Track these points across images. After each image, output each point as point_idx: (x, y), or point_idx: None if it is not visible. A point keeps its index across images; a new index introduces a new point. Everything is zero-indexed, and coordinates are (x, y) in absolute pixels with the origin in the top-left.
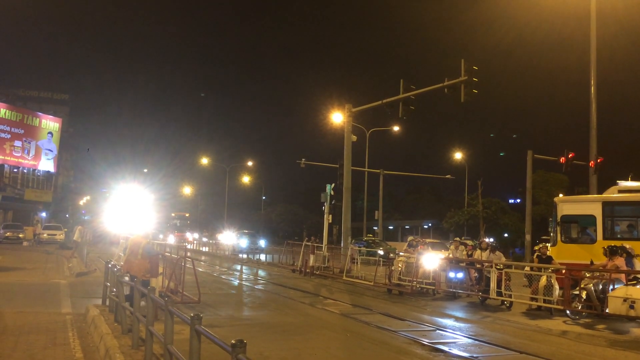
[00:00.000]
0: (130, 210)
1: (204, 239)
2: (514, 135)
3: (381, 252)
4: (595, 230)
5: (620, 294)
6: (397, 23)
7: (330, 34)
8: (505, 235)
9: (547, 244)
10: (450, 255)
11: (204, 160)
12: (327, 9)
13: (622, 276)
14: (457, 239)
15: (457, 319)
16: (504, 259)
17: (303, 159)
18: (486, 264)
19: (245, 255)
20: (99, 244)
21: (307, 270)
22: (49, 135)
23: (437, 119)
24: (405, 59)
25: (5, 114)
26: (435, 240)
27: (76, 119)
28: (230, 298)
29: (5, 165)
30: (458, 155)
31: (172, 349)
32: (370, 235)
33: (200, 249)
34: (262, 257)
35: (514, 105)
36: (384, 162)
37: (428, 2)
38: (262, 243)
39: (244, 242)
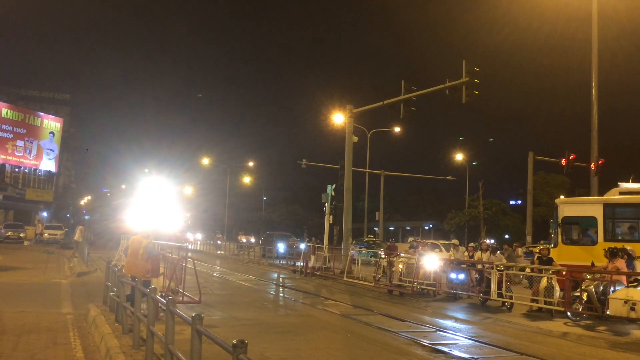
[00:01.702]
0: (157, 208)
1: (219, 242)
2: (490, 139)
3: (382, 254)
4: (596, 232)
5: (621, 295)
6: (399, 24)
7: (332, 35)
8: (506, 236)
9: (544, 245)
10: (452, 257)
11: (205, 161)
12: (328, 10)
13: (623, 278)
14: (455, 240)
15: (457, 320)
16: (504, 260)
17: (304, 160)
18: (487, 265)
19: (284, 261)
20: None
21: (308, 271)
22: (51, 135)
23: (438, 120)
24: (406, 60)
25: (7, 113)
26: (444, 242)
27: (77, 119)
28: (231, 298)
29: (7, 165)
30: (459, 157)
31: (173, 349)
32: (371, 236)
33: (217, 252)
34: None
35: (515, 107)
36: (385, 163)
37: (430, 4)
38: (302, 246)
39: (281, 246)
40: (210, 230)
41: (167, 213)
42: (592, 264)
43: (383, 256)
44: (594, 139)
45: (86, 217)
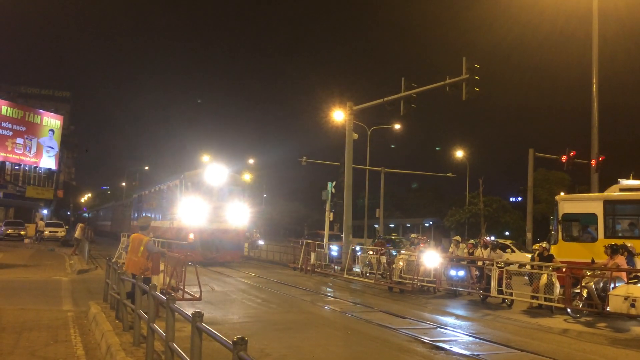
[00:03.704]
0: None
1: (260, 242)
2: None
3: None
4: (597, 229)
5: (621, 292)
6: (399, 21)
7: (332, 33)
8: (507, 233)
9: (543, 243)
10: (452, 253)
11: (205, 158)
12: (328, 8)
13: (623, 275)
14: (457, 237)
15: (457, 317)
16: (504, 257)
17: (304, 157)
18: (487, 262)
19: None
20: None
21: (308, 268)
22: (50, 132)
23: (438, 117)
24: (407, 57)
25: (6, 111)
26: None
27: (77, 116)
28: (231, 296)
29: (7, 163)
30: (459, 154)
31: (173, 346)
32: (395, 234)
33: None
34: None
35: (515, 104)
36: (385, 160)
37: (430, 1)
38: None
39: (334, 248)
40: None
41: (231, 209)
42: (592, 261)
43: (371, 253)
44: (594, 136)
45: (85, 215)
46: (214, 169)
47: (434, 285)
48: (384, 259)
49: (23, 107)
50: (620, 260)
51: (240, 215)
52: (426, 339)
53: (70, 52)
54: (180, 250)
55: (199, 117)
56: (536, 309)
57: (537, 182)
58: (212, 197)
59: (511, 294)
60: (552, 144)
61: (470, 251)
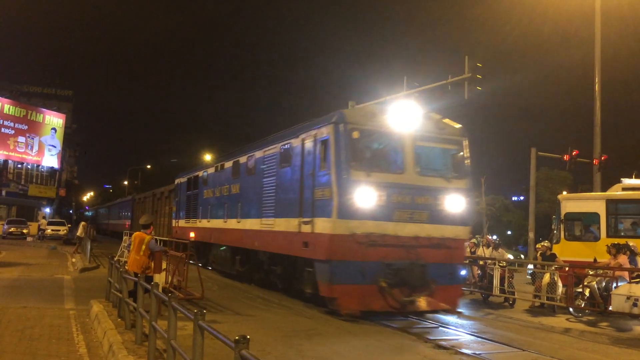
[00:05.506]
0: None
1: None
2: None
3: None
4: (599, 228)
5: (623, 291)
6: (401, 20)
7: (334, 32)
8: (509, 232)
9: (545, 242)
10: None
11: (207, 157)
12: (330, 7)
13: (626, 274)
14: None
15: (460, 316)
16: (506, 256)
17: None
18: (489, 261)
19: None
20: None
21: None
22: (53, 131)
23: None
24: (409, 56)
25: (9, 109)
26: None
27: (80, 115)
28: (233, 295)
29: (9, 161)
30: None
31: (175, 344)
32: (479, 236)
33: None
34: None
35: (518, 103)
36: None
37: (432, 0)
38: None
39: None
40: None
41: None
42: (595, 260)
43: None
44: (596, 135)
45: (87, 214)
46: (403, 107)
47: None
48: None
49: (25, 105)
50: (623, 259)
51: (459, 207)
52: (428, 338)
53: (73, 50)
54: (344, 289)
55: (199, 116)
56: (538, 308)
57: (540, 182)
58: (401, 167)
59: (513, 293)
60: (554, 143)
61: (472, 250)
